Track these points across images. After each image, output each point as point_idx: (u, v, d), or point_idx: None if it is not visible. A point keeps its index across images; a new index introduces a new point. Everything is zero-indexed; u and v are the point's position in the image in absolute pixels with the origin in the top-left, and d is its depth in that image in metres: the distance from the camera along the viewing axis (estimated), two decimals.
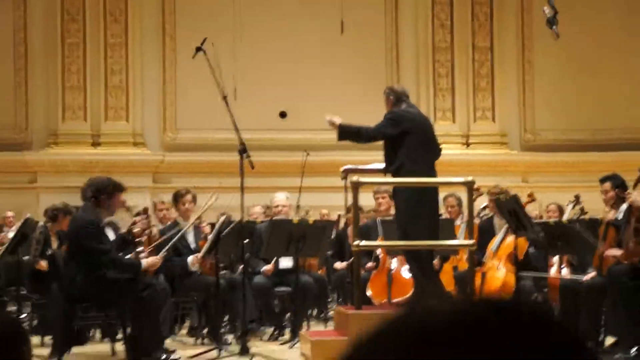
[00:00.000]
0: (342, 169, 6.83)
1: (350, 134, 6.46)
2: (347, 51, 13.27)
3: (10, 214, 10.63)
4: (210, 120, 12.33)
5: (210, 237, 7.01)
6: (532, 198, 7.57)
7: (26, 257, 7.36)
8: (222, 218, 7.03)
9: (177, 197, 7.51)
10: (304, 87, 13.26)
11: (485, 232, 7.54)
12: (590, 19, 13.51)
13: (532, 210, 8.07)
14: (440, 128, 12.66)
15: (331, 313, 8.57)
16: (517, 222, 6.98)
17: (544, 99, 13.76)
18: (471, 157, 13.03)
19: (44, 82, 13.08)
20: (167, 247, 6.80)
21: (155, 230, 7.54)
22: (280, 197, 7.98)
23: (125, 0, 13.22)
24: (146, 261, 6.30)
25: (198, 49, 6.69)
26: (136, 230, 6.61)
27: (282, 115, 13.52)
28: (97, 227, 6.08)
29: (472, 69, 13.72)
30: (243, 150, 6.54)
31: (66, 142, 12.88)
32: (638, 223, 6.62)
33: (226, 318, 7.61)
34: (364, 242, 6.19)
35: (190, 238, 7.40)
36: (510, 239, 7.28)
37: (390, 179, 6.39)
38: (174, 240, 6.97)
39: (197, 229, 7.48)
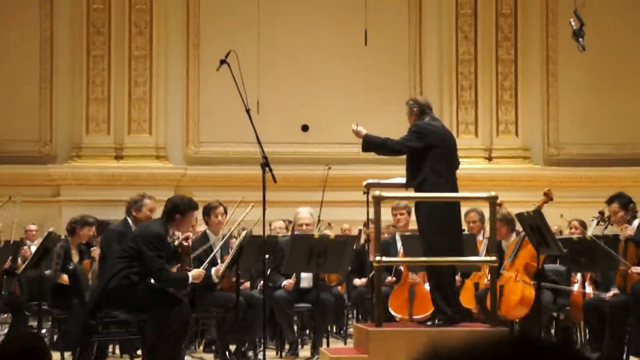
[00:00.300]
0: (364, 183, 6.80)
1: (375, 145, 6.39)
2: (370, 63, 13.26)
3: (33, 227, 10.69)
4: (233, 133, 12.37)
5: (231, 252, 6.99)
6: (549, 197, 7.49)
7: (48, 272, 7.39)
8: (244, 233, 7.01)
9: (209, 210, 7.47)
10: (326, 100, 13.26)
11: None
12: (616, 32, 13.41)
13: (552, 221, 7.97)
14: (463, 142, 12.61)
15: (351, 330, 8.53)
16: (540, 238, 6.91)
17: (568, 112, 13.66)
18: (494, 172, 12.95)
19: (69, 95, 13.18)
20: (208, 260, 6.79)
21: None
22: (305, 215, 7.83)
23: (151, 13, 13.30)
24: (192, 274, 6.29)
25: (222, 62, 6.69)
26: (186, 244, 6.56)
27: (304, 128, 13.62)
28: (162, 241, 6.12)
29: (496, 81, 13.65)
30: (265, 163, 6.52)
31: (89, 155, 12.96)
32: None
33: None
34: (385, 258, 6.15)
35: (218, 252, 7.39)
36: (527, 248, 7.21)
37: (412, 193, 6.33)
38: (214, 252, 6.96)
39: (225, 242, 7.45)
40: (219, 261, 7.16)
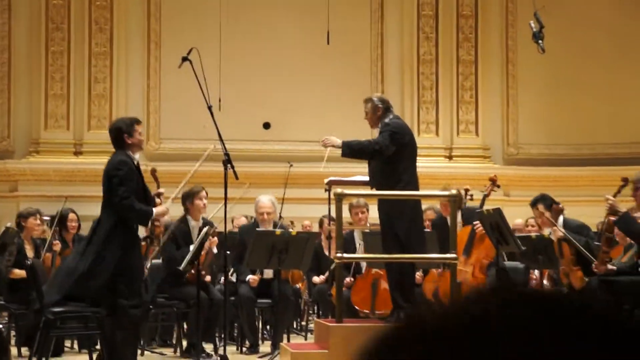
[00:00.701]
0: (326, 180, 6.81)
1: (354, 151, 6.29)
2: (332, 62, 13.29)
3: None
4: (194, 130, 12.31)
5: (192, 247, 6.97)
6: (494, 183, 7.61)
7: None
8: (205, 229, 7.00)
9: (192, 195, 7.40)
10: (288, 98, 13.27)
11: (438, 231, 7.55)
12: (574, 34, 13.60)
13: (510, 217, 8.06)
14: (424, 141, 12.70)
15: (311, 326, 8.55)
16: (499, 236, 6.99)
17: (528, 113, 13.82)
18: (454, 170, 13.06)
19: (27, 90, 13.03)
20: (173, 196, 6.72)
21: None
22: (266, 202, 7.78)
23: (111, 10, 13.19)
24: (156, 210, 5.99)
25: (184, 59, 6.67)
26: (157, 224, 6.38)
27: (266, 126, 13.61)
28: (128, 167, 5.84)
29: (457, 82, 13.76)
30: (227, 160, 6.51)
31: (48, 150, 12.81)
32: (609, 233, 6.67)
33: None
34: (346, 255, 6.17)
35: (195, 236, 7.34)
36: (483, 245, 7.28)
37: (375, 191, 6.33)
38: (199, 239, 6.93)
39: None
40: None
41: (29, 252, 7.50)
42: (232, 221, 9.32)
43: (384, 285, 7.50)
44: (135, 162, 5.96)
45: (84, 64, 13.06)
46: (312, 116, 13.24)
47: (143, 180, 6.02)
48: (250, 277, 7.58)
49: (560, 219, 7.37)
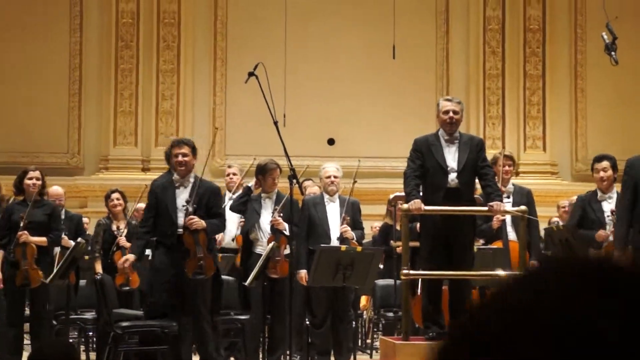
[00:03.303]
0: (390, 196, 6.77)
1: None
2: (397, 77, 13.25)
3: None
4: (259, 146, 12.37)
5: (259, 263, 6.96)
6: (512, 161, 7.52)
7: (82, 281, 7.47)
8: (271, 245, 7.00)
9: (265, 171, 7.43)
10: (353, 114, 13.26)
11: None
12: None
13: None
14: (491, 156, 12.53)
15: (377, 344, 8.48)
16: (570, 253, 6.84)
17: (596, 127, 13.56)
18: (521, 184, 12.85)
19: (96, 108, 13.29)
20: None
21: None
22: (331, 168, 7.64)
23: (179, 27, 13.39)
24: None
25: (250, 74, 6.71)
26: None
27: (331, 142, 13.61)
28: None
29: (523, 97, 13.58)
30: (293, 175, 6.52)
31: (117, 167, 13.03)
32: None
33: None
34: (413, 271, 6.11)
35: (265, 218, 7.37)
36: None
37: (445, 207, 6.22)
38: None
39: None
40: (266, 218, 7.18)
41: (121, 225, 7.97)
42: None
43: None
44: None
45: (151, 81, 13.28)
46: (376, 132, 13.20)
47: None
48: (303, 273, 7.22)
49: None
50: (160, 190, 6.55)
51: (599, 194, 7.06)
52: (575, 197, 7.61)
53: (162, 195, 6.50)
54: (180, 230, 6.41)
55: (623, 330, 0.56)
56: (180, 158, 6.58)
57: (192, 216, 6.36)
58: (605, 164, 7.11)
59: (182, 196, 6.53)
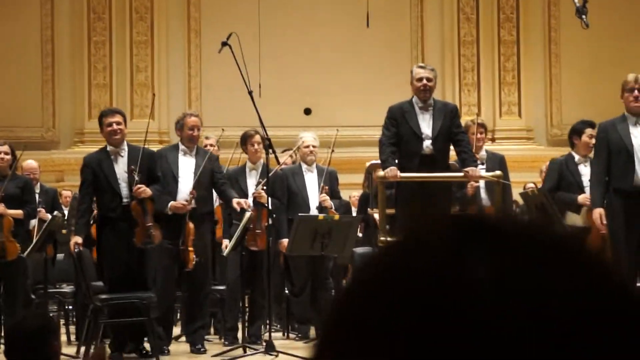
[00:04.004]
0: (367, 164, 6.80)
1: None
2: (372, 45, 13.23)
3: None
4: (235, 116, 12.35)
5: (236, 233, 6.98)
6: (484, 128, 7.59)
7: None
8: (248, 214, 7.01)
9: (245, 139, 7.42)
10: (328, 83, 13.24)
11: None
12: (618, 8, 13.35)
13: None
14: (466, 123, 12.58)
15: None
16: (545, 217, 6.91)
17: (572, 92, 13.63)
18: (495, 151, 12.93)
19: (70, 81, 13.18)
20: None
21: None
22: (309, 137, 7.66)
23: None
24: None
25: (224, 44, 6.68)
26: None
27: (307, 112, 13.60)
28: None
29: (498, 63, 13.62)
30: (269, 145, 6.53)
31: (93, 140, 12.95)
32: None
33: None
34: (390, 239, 6.16)
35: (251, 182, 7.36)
36: None
37: (421, 174, 6.25)
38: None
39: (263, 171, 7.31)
40: (250, 190, 7.17)
41: None
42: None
43: None
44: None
45: (125, 54, 13.17)
46: (352, 100, 13.20)
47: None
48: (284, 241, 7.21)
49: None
50: (96, 164, 6.44)
51: (577, 157, 7.13)
52: (547, 162, 7.67)
53: (99, 169, 6.40)
54: (126, 200, 6.36)
55: (493, 278, 0.54)
56: (115, 127, 6.47)
57: (139, 185, 6.30)
58: (594, 130, 7.18)
59: (121, 167, 6.45)
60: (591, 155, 7.02)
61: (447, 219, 0.61)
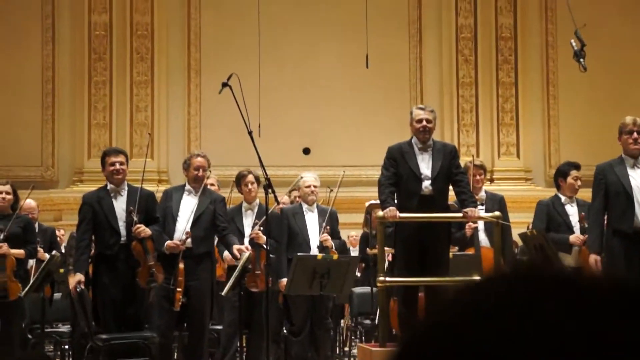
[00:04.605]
0: (367, 204, 6.79)
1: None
2: (371, 86, 13.31)
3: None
4: (235, 156, 12.38)
5: (235, 274, 6.95)
6: (482, 170, 7.60)
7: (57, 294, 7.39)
8: (247, 254, 6.99)
9: (239, 179, 7.45)
10: (327, 123, 13.30)
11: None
12: (615, 52, 13.47)
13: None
14: (464, 163, 12.61)
15: (354, 351, 8.49)
16: (544, 258, 6.90)
17: (569, 134, 13.69)
18: (494, 192, 12.95)
19: (70, 120, 13.23)
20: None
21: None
22: (310, 177, 7.59)
23: (152, 39, 13.38)
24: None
25: (224, 85, 6.70)
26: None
27: (306, 151, 13.64)
28: None
29: (497, 104, 13.69)
30: (268, 185, 6.53)
31: (91, 179, 12.96)
32: None
33: None
34: (389, 278, 6.13)
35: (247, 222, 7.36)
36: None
37: (420, 214, 6.24)
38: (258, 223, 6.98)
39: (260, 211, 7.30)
40: (246, 230, 7.16)
41: None
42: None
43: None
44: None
45: (125, 93, 13.24)
46: (351, 140, 13.25)
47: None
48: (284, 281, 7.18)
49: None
50: (96, 202, 6.46)
51: (563, 198, 7.16)
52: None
53: (99, 207, 6.42)
54: (124, 239, 6.39)
55: (590, 338, 0.55)
56: (117, 166, 6.51)
57: (138, 224, 6.33)
58: (580, 172, 7.26)
59: (120, 205, 6.46)
60: (577, 195, 7.07)
61: (519, 272, 0.60)
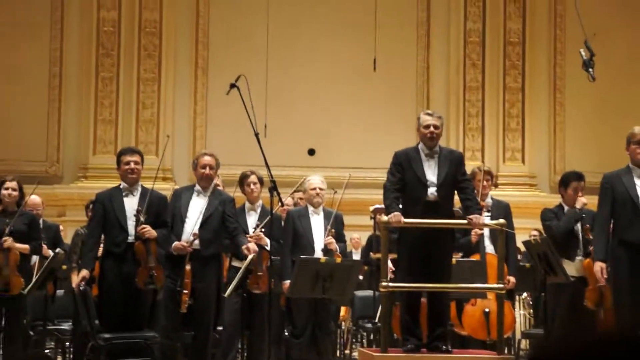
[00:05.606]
0: (371, 208, 6.77)
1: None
2: (378, 89, 13.30)
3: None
4: (240, 156, 12.37)
5: (238, 275, 6.95)
6: (490, 176, 7.57)
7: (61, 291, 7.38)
8: (251, 256, 6.98)
9: (242, 180, 7.46)
10: (333, 125, 13.29)
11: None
12: (622, 61, 13.44)
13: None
14: (470, 168, 12.59)
15: (355, 354, 8.48)
16: (547, 266, 6.88)
17: (575, 140, 13.67)
18: (500, 198, 12.91)
19: (76, 116, 13.23)
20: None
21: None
22: (316, 180, 7.55)
23: (160, 36, 13.37)
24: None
25: (232, 86, 6.69)
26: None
27: (311, 152, 13.62)
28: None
29: (503, 109, 13.67)
30: (274, 187, 6.52)
31: (96, 176, 12.96)
32: None
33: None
34: (392, 284, 6.12)
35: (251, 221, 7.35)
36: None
37: (424, 220, 6.23)
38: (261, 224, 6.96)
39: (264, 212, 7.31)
40: (250, 230, 7.15)
41: None
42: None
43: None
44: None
45: (132, 90, 13.23)
46: (357, 143, 13.23)
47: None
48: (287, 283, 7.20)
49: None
50: (108, 199, 6.51)
51: (566, 208, 7.16)
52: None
53: (109, 204, 6.46)
54: (131, 237, 6.37)
55: None
56: (132, 165, 6.55)
57: (144, 225, 6.32)
58: (579, 182, 7.23)
59: (131, 204, 6.48)
60: (578, 205, 7.06)
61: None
